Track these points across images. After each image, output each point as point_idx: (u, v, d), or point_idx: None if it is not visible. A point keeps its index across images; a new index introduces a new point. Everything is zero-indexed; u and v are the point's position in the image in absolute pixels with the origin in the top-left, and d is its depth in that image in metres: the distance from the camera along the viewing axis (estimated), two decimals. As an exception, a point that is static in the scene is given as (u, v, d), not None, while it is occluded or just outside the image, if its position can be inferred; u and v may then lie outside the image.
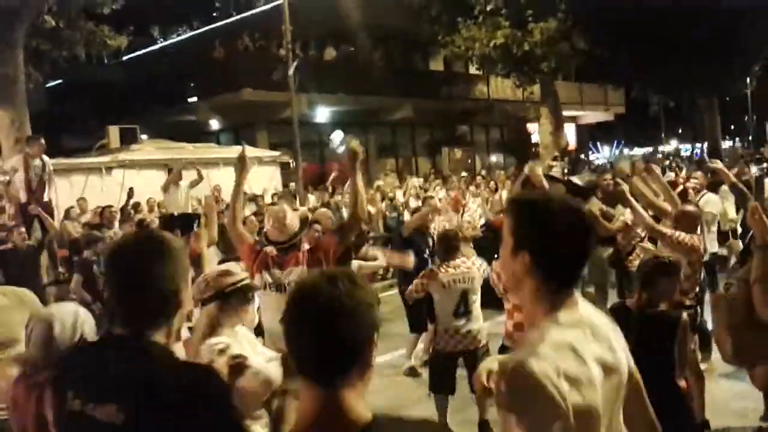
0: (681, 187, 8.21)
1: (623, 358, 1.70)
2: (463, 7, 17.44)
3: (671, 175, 12.07)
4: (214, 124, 21.18)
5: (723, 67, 21.52)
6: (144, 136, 17.57)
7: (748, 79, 28.46)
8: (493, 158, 27.68)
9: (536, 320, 1.64)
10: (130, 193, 11.01)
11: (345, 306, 1.33)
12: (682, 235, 4.88)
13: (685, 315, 3.71)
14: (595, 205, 7.23)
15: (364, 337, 1.36)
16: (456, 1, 17.63)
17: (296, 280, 3.10)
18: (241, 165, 4.28)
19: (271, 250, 4.12)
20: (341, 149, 18.42)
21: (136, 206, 10.79)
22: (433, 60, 25.79)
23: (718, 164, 6.54)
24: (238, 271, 3.19)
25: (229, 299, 2.86)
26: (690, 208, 5.35)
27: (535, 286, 1.64)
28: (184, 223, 7.10)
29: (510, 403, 1.49)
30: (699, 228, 5.15)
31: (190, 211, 9.91)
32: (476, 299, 5.28)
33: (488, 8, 16.89)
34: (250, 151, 15.97)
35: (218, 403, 1.70)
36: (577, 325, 1.61)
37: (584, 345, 1.58)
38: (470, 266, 5.31)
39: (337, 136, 20.89)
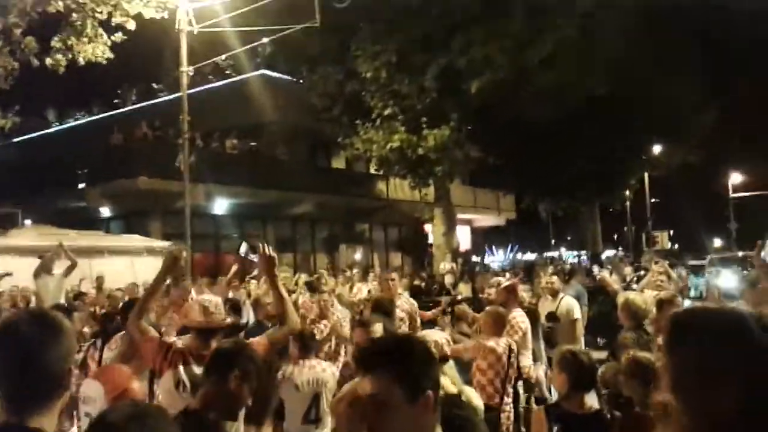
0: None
1: None
2: (361, 111, 18.16)
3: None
4: (105, 212, 20.48)
5: (603, 179, 23.25)
6: (28, 221, 16.69)
7: (627, 192, 30.87)
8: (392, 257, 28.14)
9: None
10: (-1, 278, 10.29)
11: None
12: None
13: None
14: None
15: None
16: (355, 104, 18.35)
17: None
18: (170, 264, 3.89)
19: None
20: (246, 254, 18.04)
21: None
22: (336, 158, 26.42)
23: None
24: None
25: None
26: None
27: None
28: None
29: None
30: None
31: (62, 300, 9.34)
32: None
33: (385, 113, 17.65)
34: (141, 241, 15.59)
35: None
36: None
37: None
38: (324, 368, 4.98)
39: (242, 247, 20.44)
